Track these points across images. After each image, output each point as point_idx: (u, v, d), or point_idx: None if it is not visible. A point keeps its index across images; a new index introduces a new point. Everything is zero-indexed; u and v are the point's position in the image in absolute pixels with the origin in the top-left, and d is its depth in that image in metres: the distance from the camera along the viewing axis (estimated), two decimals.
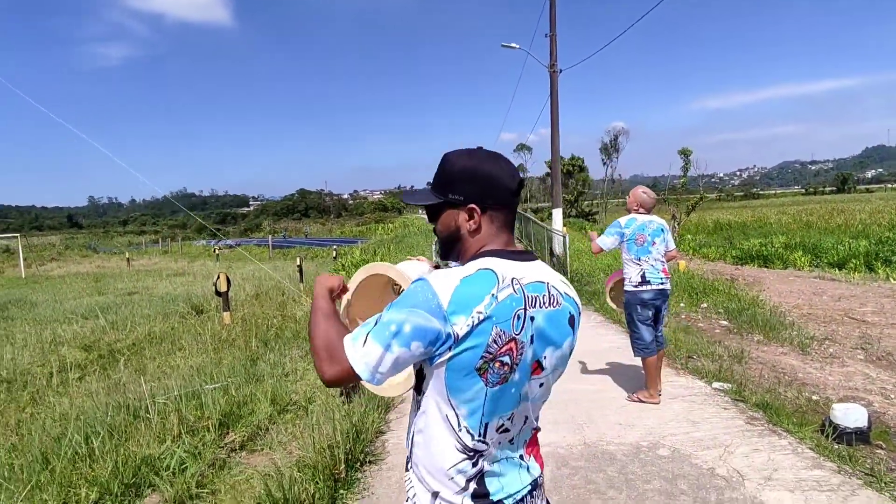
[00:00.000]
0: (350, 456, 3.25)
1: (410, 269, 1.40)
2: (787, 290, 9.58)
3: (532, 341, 1.03)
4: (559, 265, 11.36)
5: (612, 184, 44.69)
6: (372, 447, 3.59)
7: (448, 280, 0.98)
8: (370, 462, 3.39)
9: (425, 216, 1.30)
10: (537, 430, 1.18)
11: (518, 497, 1.07)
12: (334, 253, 19.80)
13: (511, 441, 1.08)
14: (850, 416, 3.44)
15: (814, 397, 4.31)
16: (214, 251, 30.08)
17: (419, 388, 1.06)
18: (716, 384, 4.51)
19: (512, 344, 0.99)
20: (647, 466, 3.19)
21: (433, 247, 13.34)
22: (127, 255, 30.03)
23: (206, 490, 3.02)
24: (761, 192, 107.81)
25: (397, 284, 1.43)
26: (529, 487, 1.10)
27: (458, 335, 0.95)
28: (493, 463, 1.05)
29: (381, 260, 15.71)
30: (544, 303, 1.06)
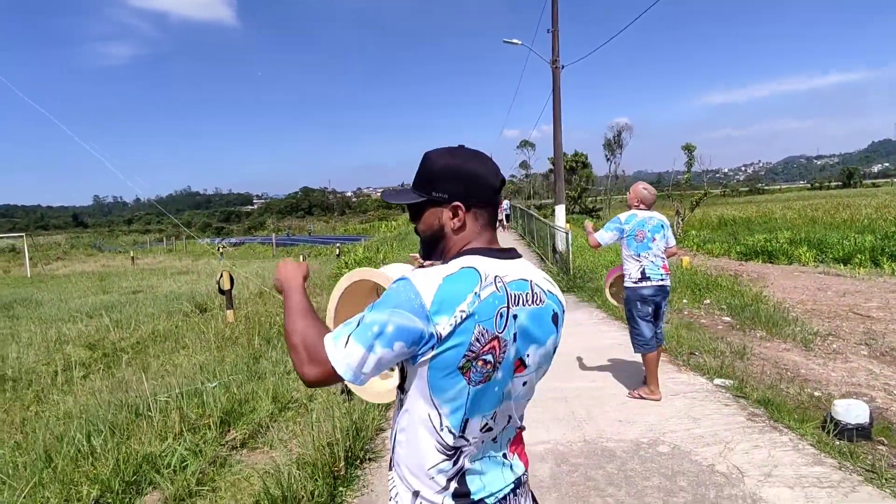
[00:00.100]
0: (350, 453, 3.26)
1: (395, 273, 1.40)
2: (792, 285, 9.54)
3: (515, 339, 1.03)
4: (562, 262, 11.34)
5: (616, 180, 44.53)
6: (372, 444, 3.60)
7: (431, 279, 0.97)
8: (370, 459, 3.39)
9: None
10: (522, 428, 1.18)
11: (500, 496, 1.07)
12: (337, 251, 19.83)
13: (494, 440, 1.08)
14: (852, 411, 3.42)
15: (816, 393, 4.30)
16: (218, 249, 30.18)
17: (402, 387, 1.05)
18: (717, 381, 4.49)
19: (495, 342, 0.99)
20: (647, 463, 3.19)
21: None
22: (131, 254, 30.18)
23: (206, 488, 3.03)
24: (766, 188, 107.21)
25: (384, 289, 1.42)
26: (512, 486, 1.10)
27: (441, 335, 0.95)
28: (474, 461, 1.05)
29: (384, 258, 15.72)
30: (527, 301, 1.05)
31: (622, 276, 4.19)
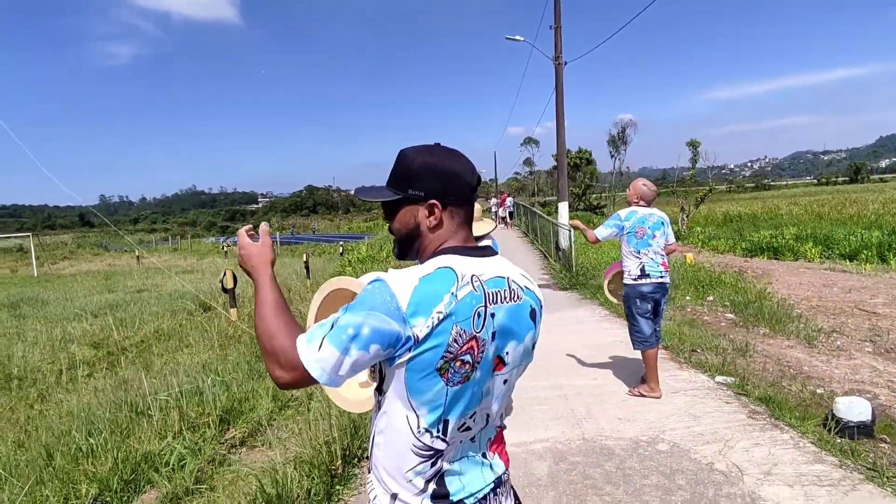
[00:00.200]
0: (347, 451, 3.26)
1: None
2: (797, 282, 9.47)
3: (494, 338, 1.02)
4: (565, 259, 11.31)
5: (621, 176, 44.36)
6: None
7: (406, 280, 0.96)
8: (367, 458, 3.39)
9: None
10: (502, 427, 1.17)
11: (480, 496, 1.06)
12: (341, 249, 19.85)
13: (472, 439, 1.07)
14: (854, 409, 3.39)
15: (818, 391, 4.26)
16: (223, 248, 30.29)
17: (380, 389, 1.04)
18: (719, 378, 4.47)
19: (473, 342, 0.98)
20: (646, 461, 3.17)
21: None
22: (137, 253, 30.33)
23: (204, 486, 3.04)
24: (772, 183, 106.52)
25: None
26: (492, 485, 1.09)
27: (417, 336, 0.94)
28: (453, 462, 1.04)
29: (387, 256, 15.72)
30: (505, 298, 1.05)
31: (621, 272, 4.17)
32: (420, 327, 0.93)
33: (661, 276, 4.00)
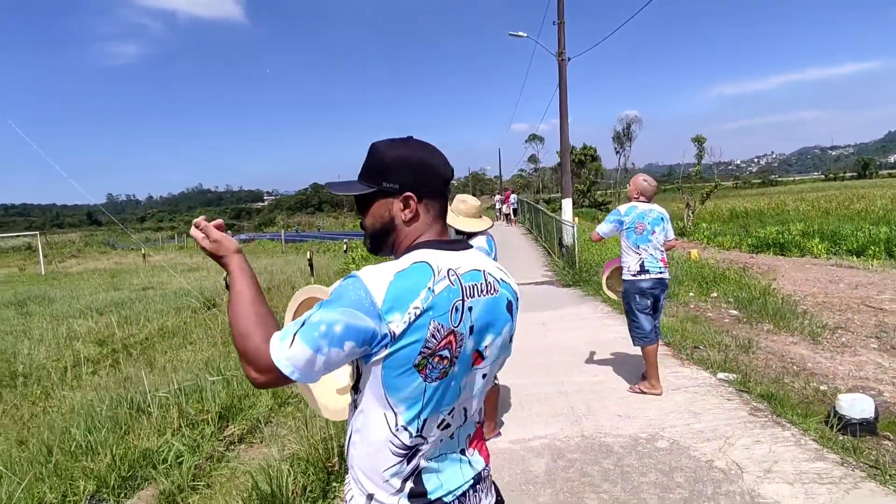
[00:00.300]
0: (344, 449, 3.25)
1: None
2: (803, 278, 9.39)
3: (471, 332, 1.01)
4: (568, 255, 11.27)
5: (626, 173, 44.15)
6: None
7: (381, 276, 0.94)
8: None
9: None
10: (481, 423, 1.16)
11: (459, 493, 1.04)
12: (345, 246, 19.88)
13: (451, 436, 1.05)
14: (857, 406, 3.35)
15: (822, 387, 4.22)
16: None
17: (356, 387, 1.02)
18: (721, 375, 4.43)
19: (451, 337, 0.97)
20: (645, 459, 3.14)
21: None
22: (143, 251, 30.47)
23: (201, 483, 3.05)
24: (779, 179, 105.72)
25: None
26: (472, 482, 1.07)
27: (394, 333, 0.92)
28: (430, 460, 1.02)
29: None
30: (482, 291, 1.03)
31: (620, 268, 4.14)
32: (396, 323, 0.92)
33: (661, 272, 3.97)
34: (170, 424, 3.70)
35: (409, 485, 1.00)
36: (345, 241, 21.99)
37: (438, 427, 1.01)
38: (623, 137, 42.89)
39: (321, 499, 2.82)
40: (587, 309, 7.51)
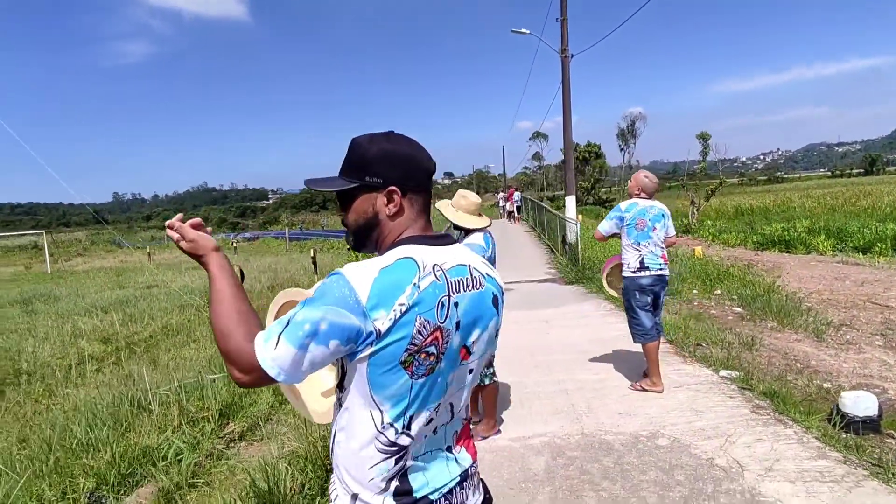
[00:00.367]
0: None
1: None
2: (808, 275, 9.32)
3: (458, 328, 0.99)
4: (571, 253, 11.23)
5: (630, 170, 44.00)
6: None
7: (366, 272, 0.93)
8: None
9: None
10: (468, 420, 1.14)
11: (445, 490, 1.03)
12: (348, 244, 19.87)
13: (434, 431, 1.04)
14: (860, 404, 3.32)
15: (825, 385, 4.18)
16: (232, 244, 30.50)
17: (341, 385, 1.01)
18: (723, 372, 4.40)
19: (437, 333, 0.95)
20: (645, 457, 3.12)
21: None
22: (148, 250, 30.61)
23: (200, 480, 3.05)
24: (785, 176, 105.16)
25: None
26: (458, 479, 1.06)
27: (379, 330, 0.91)
28: (416, 458, 1.01)
29: None
30: (468, 286, 1.02)
31: (620, 265, 4.12)
32: (382, 320, 0.90)
33: (661, 269, 3.95)
34: (170, 422, 3.71)
35: (395, 483, 0.99)
36: None
37: (425, 424, 1.00)
38: (627, 134, 42.73)
39: (319, 496, 2.81)
40: (590, 306, 7.48)
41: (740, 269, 9.22)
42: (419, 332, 0.93)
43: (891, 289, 7.79)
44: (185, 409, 3.90)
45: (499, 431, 3.54)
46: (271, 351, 0.90)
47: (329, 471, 3.01)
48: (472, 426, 3.46)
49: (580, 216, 13.46)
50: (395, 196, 1.03)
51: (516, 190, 29.65)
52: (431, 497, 1.01)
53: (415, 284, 0.93)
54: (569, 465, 3.08)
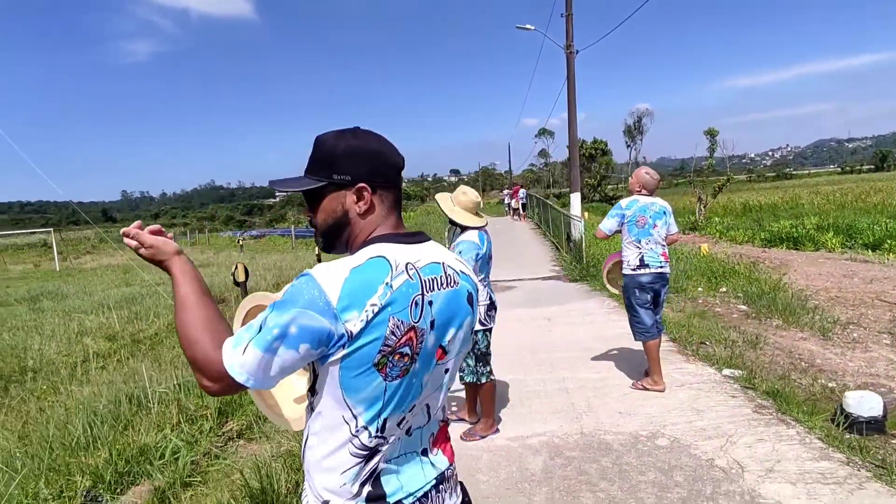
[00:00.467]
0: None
1: None
2: (816, 272, 9.21)
3: (432, 327, 0.97)
4: (576, 250, 11.17)
5: (637, 167, 43.75)
6: None
7: (336, 273, 0.90)
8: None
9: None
10: (445, 422, 1.12)
11: (419, 494, 1.00)
12: None
13: (409, 433, 1.01)
14: (865, 404, 3.26)
15: (830, 384, 4.12)
16: (239, 242, 30.63)
17: (313, 389, 0.98)
18: (726, 371, 4.34)
19: (411, 333, 0.93)
20: (644, 457, 3.09)
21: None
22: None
23: (197, 479, 3.05)
24: (794, 172, 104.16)
25: None
26: (434, 482, 1.04)
27: (351, 332, 0.88)
28: (390, 461, 0.98)
29: None
30: (442, 284, 0.99)
31: (620, 262, 4.07)
32: (354, 322, 0.88)
33: (661, 267, 3.90)
34: (169, 420, 3.72)
35: (367, 488, 0.96)
36: None
37: (399, 426, 0.98)
38: (634, 131, 42.44)
39: None
40: (594, 304, 7.43)
41: (746, 267, 9.13)
42: (392, 333, 0.90)
43: None
44: (184, 406, 3.90)
45: (497, 430, 3.51)
46: (239, 357, 0.87)
47: None
48: (469, 425, 3.45)
49: (586, 213, 13.39)
50: (365, 193, 1.00)
51: (522, 187, 29.54)
52: (405, 501, 0.98)
53: (387, 284, 0.91)
54: (567, 466, 3.05)
